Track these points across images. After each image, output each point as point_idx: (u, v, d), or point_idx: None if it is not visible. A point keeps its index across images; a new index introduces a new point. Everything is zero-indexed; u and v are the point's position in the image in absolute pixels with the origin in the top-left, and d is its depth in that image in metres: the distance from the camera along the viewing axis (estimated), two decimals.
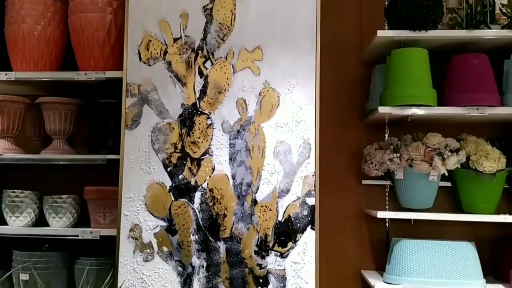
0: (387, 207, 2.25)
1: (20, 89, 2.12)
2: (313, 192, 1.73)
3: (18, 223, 1.93)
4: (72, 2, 1.94)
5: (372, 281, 1.95)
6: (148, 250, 1.71)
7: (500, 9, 1.96)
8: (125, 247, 1.72)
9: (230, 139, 1.75)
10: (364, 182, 2.23)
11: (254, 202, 1.73)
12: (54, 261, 1.91)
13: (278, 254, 1.71)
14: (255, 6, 1.79)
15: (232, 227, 1.72)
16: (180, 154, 1.75)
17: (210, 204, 1.73)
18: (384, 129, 2.27)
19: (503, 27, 1.92)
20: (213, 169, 1.74)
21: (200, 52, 1.79)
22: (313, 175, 1.74)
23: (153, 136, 1.76)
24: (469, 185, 2.05)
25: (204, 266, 1.70)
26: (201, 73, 1.78)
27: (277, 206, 1.73)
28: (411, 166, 1.99)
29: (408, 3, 1.86)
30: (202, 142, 1.75)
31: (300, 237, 1.72)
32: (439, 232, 2.21)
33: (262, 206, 1.73)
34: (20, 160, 1.91)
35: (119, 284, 1.68)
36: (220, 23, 1.79)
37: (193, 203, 1.73)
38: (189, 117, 1.76)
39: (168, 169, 1.75)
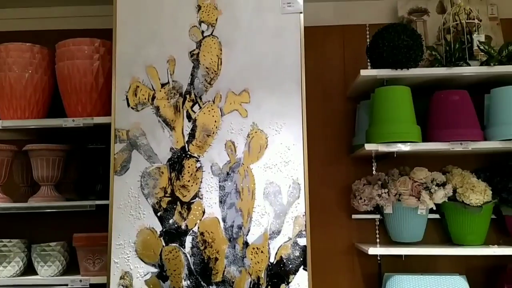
0: (378, 240, 2.26)
1: (8, 135, 2.12)
2: (304, 233, 1.73)
3: (6, 273, 1.89)
4: (59, 49, 1.96)
5: None
6: None
7: (478, 46, 2.03)
8: None
9: (219, 182, 1.76)
10: (354, 216, 2.25)
11: (246, 244, 1.72)
12: None
13: None
14: (241, 50, 1.83)
15: (224, 271, 1.71)
16: (170, 198, 1.75)
17: (202, 248, 1.72)
18: (372, 163, 2.31)
19: (481, 64, 1.99)
20: (204, 212, 1.74)
21: (187, 96, 1.81)
22: (303, 215, 1.74)
23: (143, 181, 1.76)
24: (457, 218, 2.07)
25: None
26: (189, 117, 1.80)
27: (269, 248, 1.73)
28: (399, 201, 2.02)
29: (388, 44, 1.92)
30: (191, 185, 1.75)
31: (293, 278, 1.71)
32: (431, 265, 2.22)
33: (253, 248, 1.73)
34: (7, 209, 1.89)
35: None
36: (207, 68, 1.82)
37: (184, 247, 1.72)
38: (178, 161, 1.77)
39: (158, 214, 1.74)
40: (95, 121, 1.88)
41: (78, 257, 1.89)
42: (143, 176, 1.76)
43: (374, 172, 2.26)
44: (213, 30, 1.84)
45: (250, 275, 1.70)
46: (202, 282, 1.70)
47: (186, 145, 1.78)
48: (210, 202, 1.75)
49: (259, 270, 1.72)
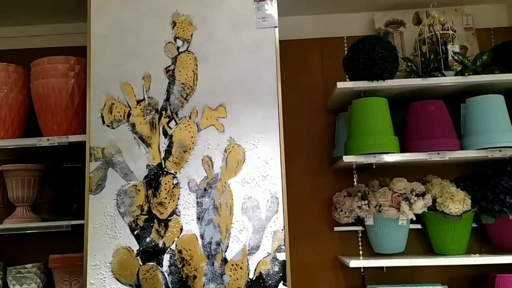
0: (361, 252, 2.25)
1: None
2: (283, 247, 1.72)
3: None
4: (33, 68, 1.95)
5: None
6: None
7: (453, 56, 2.06)
8: None
9: (197, 198, 1.74)
10: (337, 229, 2.24)
11: (224, 261, 1.70)
12: None
13: None
14: (217, 65, 1.82)
15: None
16: (147, 216, 1.73)
17: (179, 266, 1.69)
18: (353, 174, 2.31)
19: (456, 74, 2.01)
20: (181, 229, 1.72)
21: (164, 112, 1.80)
22: (282, 230, 1.73)
23: (119, 199, 1.74)
24: (438, 227, 2.07)
25: None
26: (165, 133, 1.78)
27: (248, 264, 1.71)
28: (380, 212, 2.02)
29: (364, 56, 1.93)
30: (168, 202, 1.74)
31: None
32: (414, 276, 2.21)
33: (232, 265, 1.71)
34: None
35: None
36: (182, 83, 1.81)
37: (162, 266, 1.69)
38: (154, 178, 1.75)
39: (135, 233, 1.72)
40: (70, 140, 1.86)
41: (55, 279, 1.85)
42: (119, 194, 1.74)
43: (355, 183, 2.26)
44: (188, 46, 1.84)
45: None
46: None
47: (163, 161, 1.77)
48: (187, 219, 1.73)
49: (239, 287, 1.69)
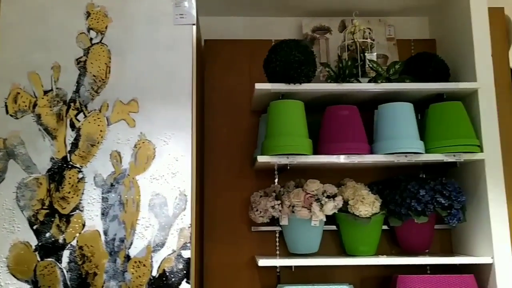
0: (278, 253, 2.28)
1: None
2: (188, 245, 1.71)
3: None
4: None
5: None
6: None
7: (368, 64, 2.13)
8: None
9: (103, 193, 1.71)
10: (254, 229, 2.26)
11: (127, 258, 1.68)
12: None
13: None
14: (132, 59, 1.80)
15: (103, 286, 1.65)
16: (47, 211, 1.67)
17: (80, 262, 1.65)
18: (274, 175, 2.34)
19: (369, 81, 2.08)
20: (84, 225, 1.68)
21: (72, 104, 1.75)
22: (189, 227, 1.72)
23: (19, 193, 1.68)
24: (349, 229, 2.14)
25: None
26: (73, 126, 1.74)
27: (152, 261, 1.69)
28: (293, 212, 2.05)
29: (281, 59, 1.97)
30: (72, 197, 1.69)
31: None
32: (328, 275, 2.26)
33: (135, 262, 1.68)
34: None
35: None
36: (94, 76, 1.78)
37: (61, 262, 1.65)
38: (58, 172, 1.70)
39: (34, 227, 1.66)
40: None
41: None
42: (20, 187, 1.68)
43: (276, 184, 2.29)
44: (102, 38, 1.81)
45: None
46: None
47: (68, 155, 1.72)
48: (91, 215, 1.69)
49: (140, 285, 1.67)
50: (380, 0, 2.38)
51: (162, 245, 1.71)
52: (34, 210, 1.67)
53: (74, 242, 1.67)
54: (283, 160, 1.96)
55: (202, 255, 2.23)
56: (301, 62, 1.96)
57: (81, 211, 1.69)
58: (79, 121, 1.75)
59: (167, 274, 1.69)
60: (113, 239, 1.68)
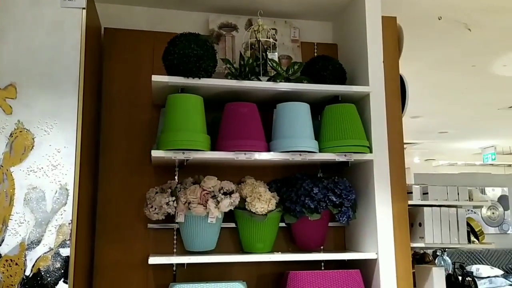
0: (175, 250, 2.23)
1: None
2: (68, 242, 1.61)
3: None
4: None
5: None
6: None
7: (268, 64, 2.15)
8: None
9: None
10: (150, 226, 2.19)
11: None
12: None
13: None
14: (11, 42, 1.66)
15: None
16: None
17: None
18: (174, 172, 2.28)
19: (269, 79, 2.11)
20: None
21: None
22: (69, 223, 1.62)
23: None
24: (246, 226, 2.14)
25: None
26: None
27: (25, 260, 1.57)
28: (190, 209, 2.01)
29: (179, 52, 1.92)
30: None
31: None
32: (225, 273, 2.25)
33: (6, 260, 1.55)
34: None
35: None
36: None
37: None
38: None
39: None
40: None
41: None
42: None
43: (176, 181, 2.24)
44: None
45: None
46: None
47: None
48: None
49: (12, 285, 1.54)
50: (287, 2, 2.42)
51: (37, 242, 1.59)
52: None
53: None
54: (179, 156, 1.92)
55: (93, 254, 2.12)
56: (199, 56, 1.93)
57: None
58: None
59: (42, 273, 1.57)
60: None
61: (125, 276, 2.13)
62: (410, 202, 2.26)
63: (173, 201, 1.99)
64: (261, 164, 2.25)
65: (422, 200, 2.32)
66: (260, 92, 2.13)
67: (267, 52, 2.21)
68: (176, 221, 2.07)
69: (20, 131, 1.63)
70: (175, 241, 2.23)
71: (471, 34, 2.91)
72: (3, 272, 1.54)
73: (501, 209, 7.03)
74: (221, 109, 2.10)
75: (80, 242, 1.72)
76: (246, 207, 2.10)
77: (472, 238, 2.28)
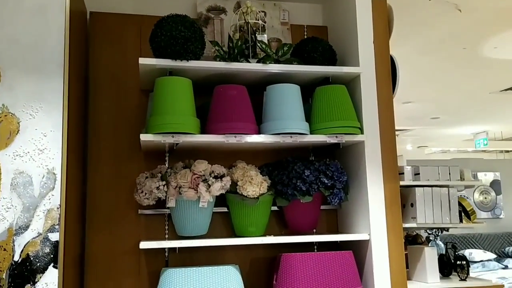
0: (167, 236, 2.22)
1: None
2: (57, 227, 1.59)
3: None
4: None
5: None
6: None
7: (258, 46, 2.13)
8: None
9: None
10: (141, 212, 2.17)
11: None
12: None
13: None
14: None
15: None
16: None
17: None
18: (165, 157, 2.26)
19: (258, 61, 2.08)
20: None
21: None
22: (58, 208, 1.60)
23: None
24: (238, 210, 2.13)
25: None
26: None
27: (14, 245, 1.54)
28: (181, 194, 2.00)
29: (166, 33, 1.89)
30: None
31: (40, 277, 1.55)
32: (217, 258, 2.24)
33: None
34: None
35: None
36: None
37: None
38: None
39: None
40: None
41: None
42: None
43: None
44: None
45: None
46: None
47: None
48: None
49: (0, 270, 1.52)
50: None
51: (26, 227, 1.57)
52: None
53: None
54: (168, 139, 1.90)
55: (84, 241, 2.10)
56: (186, 38, 1.90)
57: None
58: None
59: (31, 258, 1.55)
60: None
61: (117, 262, 2.12)
62: (401, 183, 2.26)
63: (164, 186, 1.97)
64: (252, 148, 2.24)
65: (413, 180, 2.33)
66: (250, 74, 2.11)
67: (256, 34, 2.19)
68: (167, 206, 2.05)
69: (5, 115, 1.60)
70: (166, 227, 2.22)
71: (461, 15, 2.90)
72: None
73: (493, 193, 7.09)
74: (211, 95, 2.08)
75: (69, 227, 1.70)
76: (238, 190, 2.09)
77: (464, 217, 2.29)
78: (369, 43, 2.19)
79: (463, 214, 2.29)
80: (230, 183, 2.05)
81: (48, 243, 1.58)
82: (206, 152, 2.22)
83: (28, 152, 1.60)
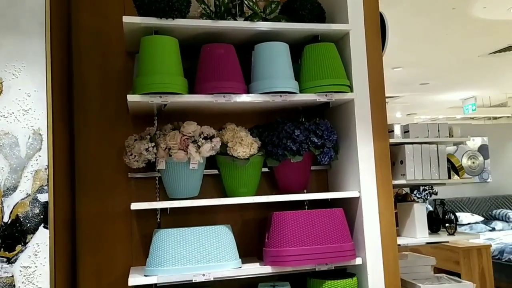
0: (158, 199, 2.21)
1: None
2: (46, 188, 1.57)
3: None
4: None
5: (132, 277, 1.86)
6: None
7: (245, 3, 2.08)
8: None
9: None
10: (131, 175, 2.16)
11: None
12: None
13: (5, 260, 1.51)
14: None
15: None
16: None
17: None
18: (153, 120, 2.23)
19: (245, 19, 2.04)
20: None
21: None
22: (45, 169, 1.58)
23: None
24: (229, 171, 2.13)
25: None
26: None
27: (2, 206, 1.53)
28: (170, 156, 1.98)
29: None
30: None
31: (31, 238, 1.54)
32: (210, 220, 2.25)
33: None
34: None
35: None
36: None
37: None
38: None
39: None
40: None
41: None
42: None
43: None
44: None
45: None
46: None
47: None
48: None
49: None
50: None
51: (14, 189, 1.55)
52: None
53: None
54: (156, 100, 1.87)
55: (74, 206, 2.09)
56: None
57: None
58: None
59: (21, 219, 1.54)
60: None
61: (108, 226, 2.12)
62: (391, 141, 2.27)
63: (153, 147, 1.96)
64: (241, 110, 2.22)
65: (403, 138, 2.33)
66: (237, 32, 2.07)
67: None
68: (157, 168, 2.04)
69: None
70: (157, 190, 2.21)
71: None
72: None
73: (481, 158, 7.19)
74: (197, 57, 2.04)
75: (58, 188, 1.69)
76: (228, 152, 2.08)
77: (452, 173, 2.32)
78: (358, 0, 2.15)
79: (451, 171, 2.32)
80: (220, 144, 2.04)
81: (37, 204, 1.57)
82: (195, 115, 2.19)
83: (13, 113, 1.57)
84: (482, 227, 6.52)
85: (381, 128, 2.15)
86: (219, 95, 1.94)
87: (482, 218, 6.69)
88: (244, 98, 1.99)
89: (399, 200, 2.56)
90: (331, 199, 2.23)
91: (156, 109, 2.12)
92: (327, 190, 2.41)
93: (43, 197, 1.57)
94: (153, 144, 1.97)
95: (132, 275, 1.89)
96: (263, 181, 2.30)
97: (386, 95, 2.23)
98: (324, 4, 2.27)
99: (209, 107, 2.08)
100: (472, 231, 6.30)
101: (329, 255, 1.96)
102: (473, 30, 4.01)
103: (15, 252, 1.52)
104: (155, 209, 2.16)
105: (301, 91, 2.07)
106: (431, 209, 3.03)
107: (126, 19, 1.87)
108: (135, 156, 2.00)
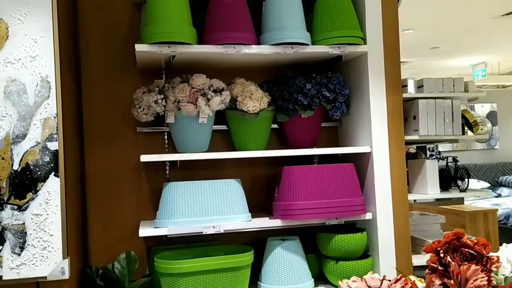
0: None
1: None
2: (55, 136, 1.55)
3: None
4: None
5: (142, 229, 1.87)
6: None
7: None
8: None
9: None
10: (139, 129, 2.13)
11: None
12: None
13: (16, 207, 1.51)
14: None
15: None
16: None
17: None
18: (161, 74, 2.19)
19: None
20: None
21: None
22: (55, 117, 1.56)
23: None
24: (238, 126, 2.10)
25: None
26: None
27: (12, 154, 1.52)
28: (179, 109, 1.95)
29: None
30: None
31: (42, 186, 1.54)
32: (220, 175, 2.24)
33: None
34: None
35: None
36: None
37: None
38: None
39: None
40: None
41: None
42: None
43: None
44: None
45: None
46: None
47: None
48: None
49: (0, 180, 1.50)
50: None
51: (23, 136, 1.53)
52: None
53: None
54: (164, 50, 1.82)
55: (83, 158, 2.08)
56: None
57: None
58: None
59: (31, 167, 1.53)
60: None
61: (117, 180, 2.11)
62: (404, 96, 2.22)
63: (162, 99, 1.93)
64: (251, 63, 2.17)
65: (417, 93, 2.29)
66: None
67: None
68: (166, 122, 2.01)
69: None
70: (166, 145, 2.19)
71: None
72: None
73: (489, 124, 7.11)
74: (206, 9, 1.98)
75: (67, 137, 1.67)
76: (238, 106, 2.05)
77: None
78: None
79: (465, 127, 2.28)
80: (229, 98, 2.00)
81: (47, 152, 1.55)
82: (203, 69, 2.14)
83: (20, 59, 1.53)
84: (489, 193, 6.52)
85: (395, 82, 2.10)
86: (229, 46, 1.89)
87: (488, 185, 6.68)
88: (255, 49, 1.93)
89: (410, 158, 2.53)
90: (341, 155, 2.21)
91: (164, 62, 2.07)
92: (337, 146, 2.38)
93: (53, 146, 1.56)
94: (162, 96, 1.93)
95: (143, 228, 1.89)
96: (273, 138, 2.27)
97: None
98: None
99: (218, 60, 2.03)
100: (479, 197, 6.31)
101: (339, 209, 1.95)
102: None
103: (26, 200, 1.52)
104: (164, 164, 2.14)
105: (313, 43, 2.01)
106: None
107: None
108: (143, 109, 1.97)
